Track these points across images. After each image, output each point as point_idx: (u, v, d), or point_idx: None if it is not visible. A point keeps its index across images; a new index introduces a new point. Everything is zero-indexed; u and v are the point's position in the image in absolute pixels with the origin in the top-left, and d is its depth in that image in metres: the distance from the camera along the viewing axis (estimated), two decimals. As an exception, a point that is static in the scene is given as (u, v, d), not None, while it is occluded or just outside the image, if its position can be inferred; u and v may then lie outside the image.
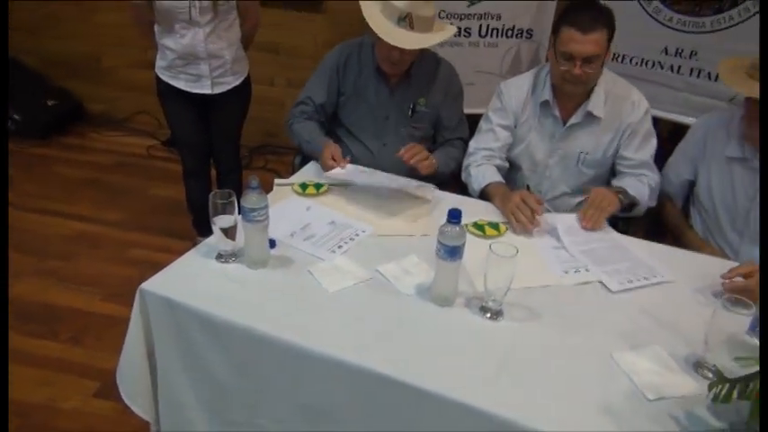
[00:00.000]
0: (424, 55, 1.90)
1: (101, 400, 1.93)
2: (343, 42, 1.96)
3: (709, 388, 0.98)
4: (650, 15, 2.41)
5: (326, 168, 1.75)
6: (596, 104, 1.74)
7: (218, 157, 2.49)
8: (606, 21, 1.62)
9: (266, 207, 1.30)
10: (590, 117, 1.76)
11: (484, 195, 1.77)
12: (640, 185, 1.72)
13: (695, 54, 2.37)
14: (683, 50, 2.39)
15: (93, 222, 2.88)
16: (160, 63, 2.28)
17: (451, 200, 1.74)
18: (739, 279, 1.34)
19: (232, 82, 2.30)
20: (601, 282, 1.40)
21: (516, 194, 1.62)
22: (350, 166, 1.73)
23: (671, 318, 1.30)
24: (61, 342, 2.17)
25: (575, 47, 1.60)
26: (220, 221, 1.31)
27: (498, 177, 1.79)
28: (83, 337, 2.20)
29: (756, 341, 0.94)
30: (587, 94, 1.75)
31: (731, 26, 2.28)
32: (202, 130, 2.40)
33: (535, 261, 1.47)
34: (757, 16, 2.21)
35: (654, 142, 1.81)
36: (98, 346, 2.14)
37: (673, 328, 1.27)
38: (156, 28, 2.23)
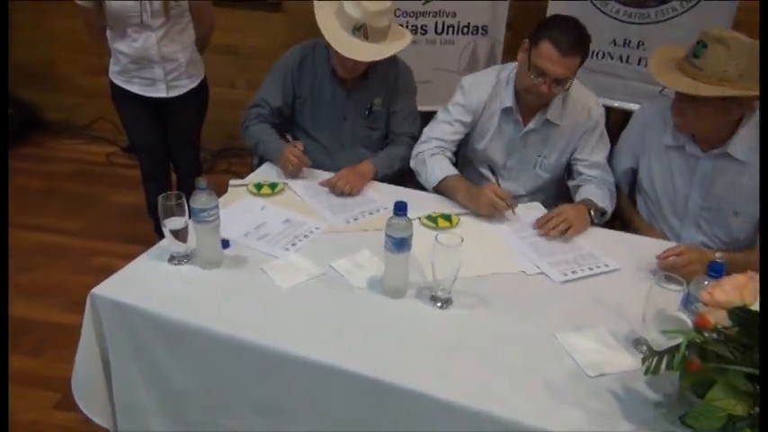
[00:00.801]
0: None
1: (62, 412, 1.91)
2: (298, 44, 1.97)
3: (643, 362, 1.02)
4: (598, 9, 2.48)
5: (289, 168, 1.76)
6: (555, 112, 1.78)
7: (177, 160, 2.48)
8: (584, 49, 1.63)
9: (216, 207, 1.31)
10: (548, 123, 1.80)
11: (440, 188, 1.78)
12: (602, 194, 1.73)
13: (642, 44, 2.45)
14: (630, 41, 2.46)
15: (53, 233, 2.83)
16: (113, 68, 2.26)
17: (405, 194, 1.77)
18: (673, 258, 1.39)
19: (188, 85, 2.29)
20: (553, 280, 1.43)
21: (486, 192, 1.63)
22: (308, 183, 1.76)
23: (615, 299, 1.34)
24: (21, 354, 2.14)
25: (550, 66, 1.60)
26: (171, 223, 1.32)
27: (455, 170, 1.81)
28: (44, 349, 2.17)
29: (685, 317, 0.98)
30: (547, 102, 1.78)
31: (674, 16, 2.36)
32: (159, 133, 2.38)
33: (487, 250, 1.51)
34: (699, 5, 2.30)
35: (608, 144, 1.85)
36: (59, 356, 2.11)
37: (616, 308, 1.32)
38: (108, 33, 2.21)
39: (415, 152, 1.89)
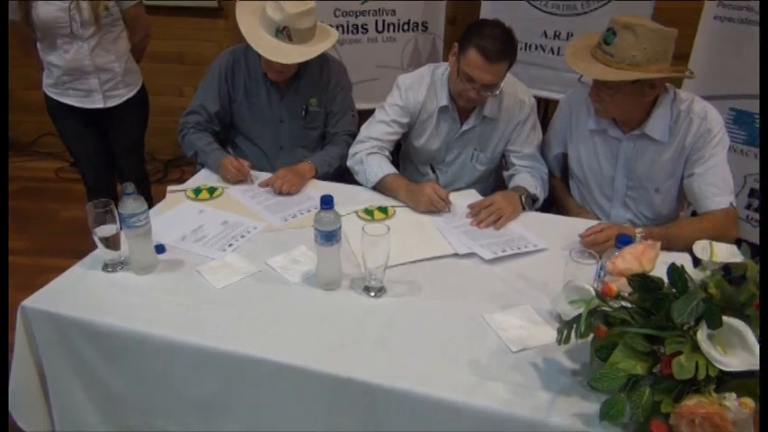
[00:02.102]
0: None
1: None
2: (229, 48, 1.97)
3: (558, 333, 1.07)
4: (528, 2, 2.56)
5: (232, 179, 1.78)
6: (491, 108, 1.83)
7: (121, 171, 2.46)
8: (511, 54, 1.67)
9: (146, 212, 1.31)
10: (485, 119, 1.85)
11: (380, 186, 1.80)
12: (534, 181, 1.79)
13: (571, 35, 2.53)
14: (560, 33, 2.55)
15: None
16: (47, 81, 2.23)
17: (343, 190, 1.81)
18: (593, 236, 1.47)
19: (125, 94, 2.28)
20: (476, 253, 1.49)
21: (426, 191, 1.67)
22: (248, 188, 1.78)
23: (541, 278, 1.40)
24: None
25: (478, 73, 1.64)
26: (101, 231, 1.32)
27: (394, 169, 1.84)
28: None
29: (588, 286, 1.04)
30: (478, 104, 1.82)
31: (599, 7, 2.45)
32: (100, 144, 2.36)
33: (420, 238, 1.55)
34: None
35: (539, 134, 1.92)
36: (8, 376, 2.07)
37: (542, 287, 1.37)
38: (39, 45, 2.18)
39: (352, 151, 1.89)
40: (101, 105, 2.23)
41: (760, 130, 2.15)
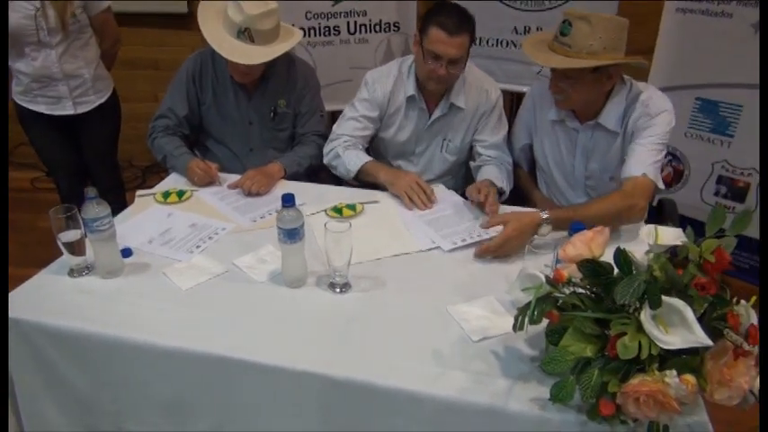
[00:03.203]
0: (278, 58, 1.93)
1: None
2: (196, 51, 1.98)
3: (514, 321, 1.09)
4: (499, 0, 2.59)
5: (199, 182, 1.79)
6: (458, 96, 1.87)
7: (94, 178, 2.45)
8: (470, 27, 1.73)
9: (108, 216, 1.32)
10: (453, 108, 1.89)
11: (361, 174, 1.84)
12: (499, 173, 1.83)
13: (540, 29, 2.56)
14: (530, 28, 2.58)
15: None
16: (16, 88, 2.22)
17: (313, 189, 1.82)
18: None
19: (95, 101, 2.28)
20: (443, 249, 1.51)
21: (410, 176, 1.71)
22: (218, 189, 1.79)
23: (506, 269, 1.42)
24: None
25: (442, 48, 1.69)
26: (65, 237, 1.32)
27: (371, 158, 1.88)
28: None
29: (539, 273, 1.06)
30: (449, 88, 1.86)
31: (566, 2, 2.49)
32: (72, 151, 2.36)
33: (387, 234, 1.57)
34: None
35: (506, 125, 1.95)
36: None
37: (506, 278, 1.39)
38: None
39: (326, 149, 1.93)
40: (71, 112, 2.23)
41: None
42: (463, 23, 1.71)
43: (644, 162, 1.54)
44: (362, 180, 1.85)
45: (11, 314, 1.26)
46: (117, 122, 2.43)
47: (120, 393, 1.26)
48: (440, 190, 1.79)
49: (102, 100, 2.30)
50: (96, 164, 2.42)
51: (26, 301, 1.30)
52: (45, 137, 2.29)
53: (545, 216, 1.45)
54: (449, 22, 1.69)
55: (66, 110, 2.23)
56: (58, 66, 2.14)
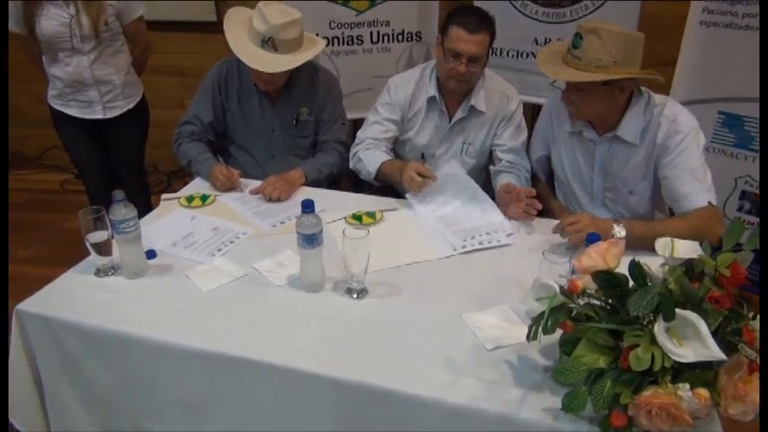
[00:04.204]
0: (301, 67, 1.96)
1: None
2: (222, 59, 2.04)
3: (528, 330, 1.10)
4: (519, 11, 2.61)
5: (221, 187, 1.83)
6: (478, 99, 1.90)
7: (121, 181, 2.52)
8: (489, 27, 1.79)
9: (135, 218, 1.36)
10: (474, 111, 1.92)
11: (380, 175, 1.87)
12: (516, 181, 1.85)
13: (561, 41, 2.56)
14: (550, 39, 2.58)
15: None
16: (51, 92, 2.31)
17: (334, 196, 1.86)
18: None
19: (124, 106, 2.35)
20: (455, 249, 1.54)
21: (409, 167, 1.74)
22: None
23: (521, 278, 1.43)
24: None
25: (462, 45, 1.74)
26: (93, 237, 1.37)
27: (388, 156, 1.91)
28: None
29: (554, 283, 1.07)
30: (469, 91, 1.90)
31: (588, 14, 2.49)
32: (100, 154, 2.43)
33: (405, 242, 1.59)
34: (607, 4, 2.44)
35: (525, 132, 1.97)
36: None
37: (521, 287, 1.40)
38: (43, 58, 2.26)
39: (351, 154, 1.98)
40: (101, 116, 2.31)
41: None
42: (483, 22, 1.76)
43: (702, 190, 1.56)
44: (383, 181, 1.89)
45: (38, 311, 1.31)
46: (145, 127, 2.50)
47: (139, 391, 1.30)
48: (451, 166, 1.82)
49: (131, 105, 2.37)
50: (124, 167, 2.49)
51: (54, 298, 1.35)
52: (76, 139, 2.37)
53: (619, 226, 1.47)
54: (469, 20, 1.74)
55: (96, 114, 2.30)
56: (90, 71, 2.22)
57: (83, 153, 2.42)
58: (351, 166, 1.98)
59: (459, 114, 1.93)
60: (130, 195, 2.62)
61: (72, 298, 1.34)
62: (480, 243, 1.56)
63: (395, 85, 1.97)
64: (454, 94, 1.90)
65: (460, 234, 1.56)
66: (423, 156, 2.03)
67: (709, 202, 1.55)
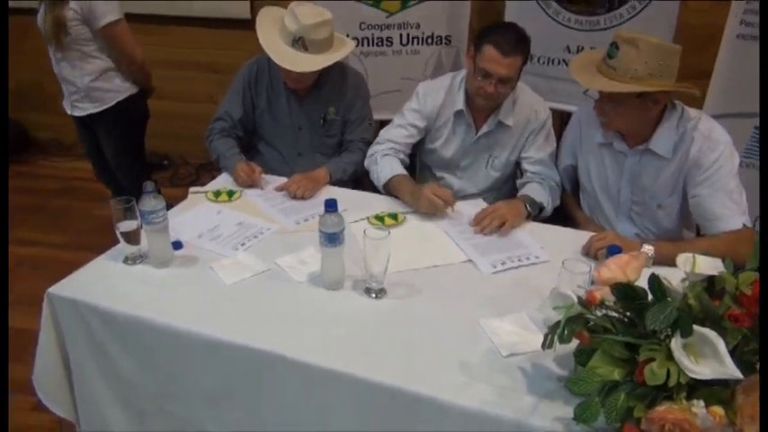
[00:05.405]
0: (331, 67, 1.98)
1: (40, 413, 1.99)
2: (254, 57, 2.08)
3: (544, 339, 1.10)
4: (551, 17, 2.59)
5: (242, 183, 1.87)
6: (506, 114, 1.88)
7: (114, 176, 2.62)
8: (524, 48, 1.74)
9: (163, 209, 1.40)
10: (501, 125, 1.90)
11: (389, 186, 1.86)
12: (542, 189, 1.83)
13: (594, 50, 2.54)
14: (582, 47, 2.56)
15: (35, 246, 2.95)
16: None
17: (357, 196, 1.88)
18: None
19: (90, 109, 2.36)
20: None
21: (427, 189, 1.72)
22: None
23: (541, 287, 1.41)
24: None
25: (493, 67, 1.71)
26: (123, 226, 1.42)
27: (404, 171, 1.90)
28: (23, 355, 2.24)
29: (571, 293, 1.07)
30: (498, 105, 1.87)
31: (622, 22, 2.47)
32: (92, 145, 2.53)
33: (426, 245, 1.60)
34: (643, 14, 2.41)
35: (554, 143, 1.95)
36: (38, 362, 2.21)
37: (540, 295, 1.38)
38: None
39: (369, 152, 1.98)
40: (69, 112, 2.40)
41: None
42: (518, 44, 1.72)
43: (737, 212, 1.53)
44: (389, 193, 1.86)
45: (69, 295, 1.36)
46: (119, 135, 2.46)
47: (162, 377, 1.34)
48: (479, 206, 1.80)
49: (99, 110, 2.36)
50: (113, 164, 2.55)
51: (83, 284, 1.40)
52: (76, 128, 2.51)
53: (648, 249, 1.45)
54: (504, 41, 1.70)
55: (67, 108, 2.40)
56: (58, 69, 2.31)
57: (79, 141, 2.57)
58: (365, 164, 1.98)
59: (485, 128, 1.91)
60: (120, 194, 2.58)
61: (100, 284, 1.39)
62: (506, 263, 1.53)
63: (424, 92, 1.95)
64: (481, 107, 1.88)
65: (492, 261, 1.53)
66: (446, 171, 2.03)
67: (744, 225, 1.52)
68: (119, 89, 2.38)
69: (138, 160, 2.58)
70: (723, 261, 0.98)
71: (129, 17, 3.70)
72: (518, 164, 1.98)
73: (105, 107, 2.38)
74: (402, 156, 1.97)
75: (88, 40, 2.24)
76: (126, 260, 1.47)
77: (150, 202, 1.38)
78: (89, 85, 2.31)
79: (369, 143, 2.05)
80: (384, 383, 1.13)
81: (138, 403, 1.39)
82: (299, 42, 1.79)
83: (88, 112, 2.38)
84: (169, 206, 1.51)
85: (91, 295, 1.35)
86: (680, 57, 1.53)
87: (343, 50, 1.88)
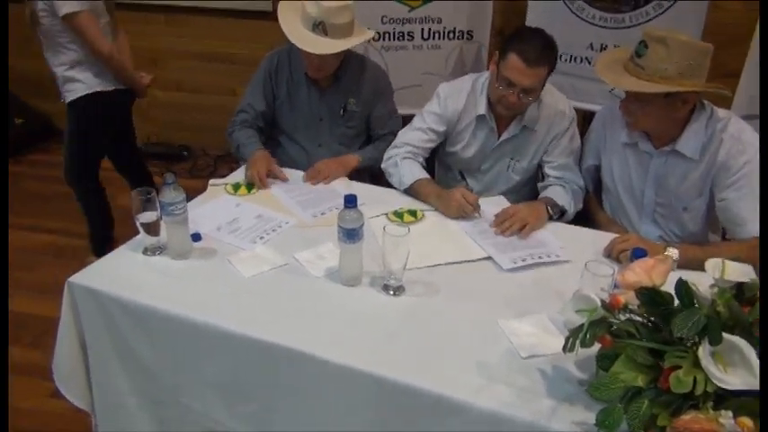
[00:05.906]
0: (350, 58, 2.01)
1: (57, 400, 2.01)
2: (275, 49, 2.08)
3: (565, 341, 1.08)
4: (575, 14, 2.55)
5: (249, 179, 1.85)
6: (531, 118, 1.83)
7: None
8: (550, 58, 1.68)
9: (183, 201, 1.41)
10: (525, 129, 1.86)
11: (412, 190, 1.82)
12: (564, 193, 1.79)
13: (618, 48, 2.50)
14: (606, 45, 2.52)
15: (59, 234, 2.99)
16: None
17: (375, 191, 1.87)
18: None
19: (66, 97, 2.38)
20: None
21: (456, 193, 1.69)
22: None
23: (561, 288, 1.40)
24: (22, 346, 2.27)
25: (517, 76, 1.66)
26: (143, 217, 1.42)
27: (427, 174, 1.87)
28: (43, 342, 2.28)
29: (594, 296, 1.05)
30: (518, 112, 1.82)
31: (648, 20, 2.42)
32: None
33: (445, 242, 1.59)
34: (670, 11, 2.36)
35: (577, 147, 1.90)
36: (57, 349, 2.24)
37: (560, 297, 1.37)
38: None
39: (387, 155, 1.94)
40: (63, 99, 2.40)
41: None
42: (545, 54, 1.66)
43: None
44: (413, 196, 1.82)
45: (89, 284, 1.37)
46: (74, 129, 2.44)
47: (179, 368, 1.35)
48: (501, 203, 1.78)
49: (71, 99, 2.36)
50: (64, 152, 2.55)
51: (104, 273, 1.41)
52: None
53: (673, 252, 1.43)
54: (530, 50, 1.64)
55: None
56: (46, 56, 2.33)
57: None
58: (383, 166, 1.94)
59: (507, 134, 1.86)
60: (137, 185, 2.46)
61: (120, 274, 1.40)
62: (527, 259, 1.50)
63: (445, 95, 1.90)
64: (503, 113, 1.83)
65: (510, 255, 1.51)
66: (461, 175, 2.00)
67: None
68: (90, 83, 2.35)
69: (84, 157, 2.53)
70: (754, 268, 0.95)
71: (150, 8, 3.73)
72: (540, 166, 1.95)
73: (75, 98, 2.36)
74: (420, 159, 1.93)
75: (60, 32, 2.26)
76: (145, 251, 1.47)
77: (170, 194, 1.38)
78: (63, 74, 2.34)
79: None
80: (401, 382, 1.12)
81: (154, 393, 1.40)
82: (320, 27, 1.80)
83: (66, 100, 2.40)
84: (188, 198, 1.51)
85: (111, 285, 1.36)
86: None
87: (362, 36, 1.89)
